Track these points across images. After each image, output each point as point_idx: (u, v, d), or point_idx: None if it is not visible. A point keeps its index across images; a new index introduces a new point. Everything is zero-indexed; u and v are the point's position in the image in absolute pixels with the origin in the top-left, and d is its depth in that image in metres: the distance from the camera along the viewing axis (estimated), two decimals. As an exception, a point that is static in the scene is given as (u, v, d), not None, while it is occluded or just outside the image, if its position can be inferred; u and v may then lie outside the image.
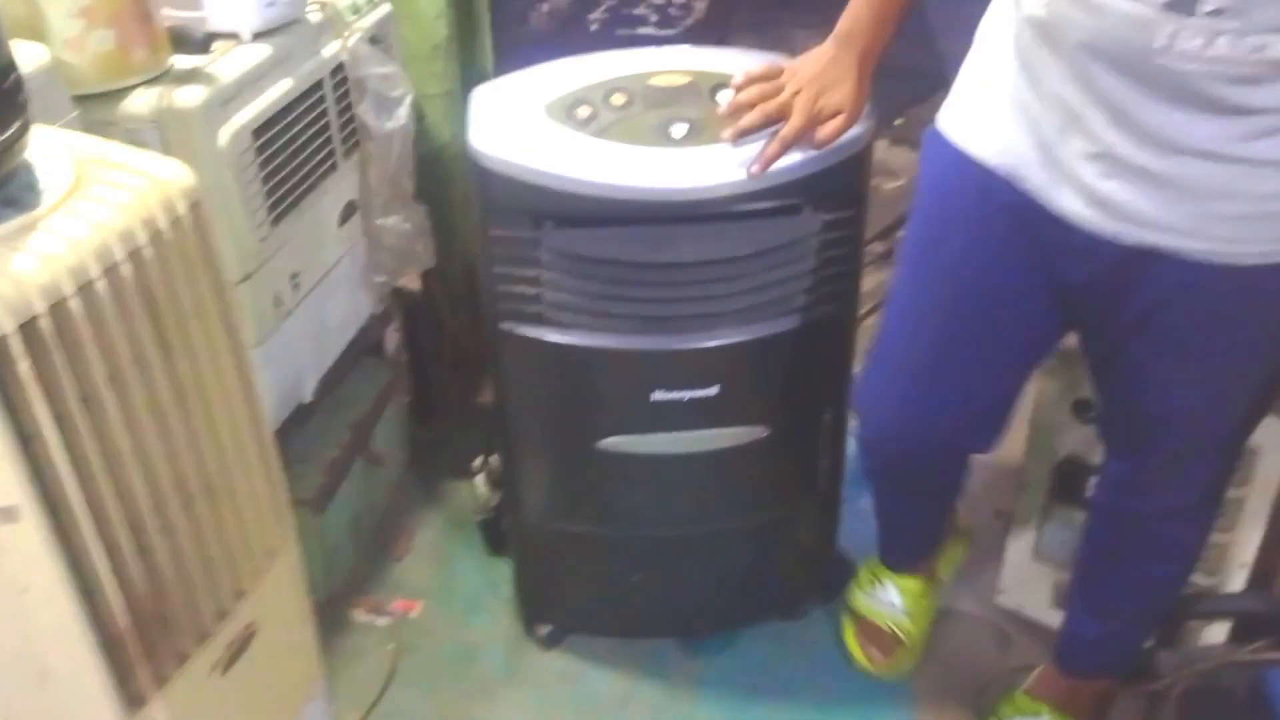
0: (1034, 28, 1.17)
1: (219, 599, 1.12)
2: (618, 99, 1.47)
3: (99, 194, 0.98)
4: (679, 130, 1.44)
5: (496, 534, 1.95)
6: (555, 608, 1.82)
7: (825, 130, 1.40)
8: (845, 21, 1.41)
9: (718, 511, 1.70)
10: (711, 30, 4.44)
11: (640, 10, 4.68)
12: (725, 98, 1.47)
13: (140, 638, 1.02)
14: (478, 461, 1.98)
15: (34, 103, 1.20)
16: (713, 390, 1.54)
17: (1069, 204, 1.20)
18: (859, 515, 1.83)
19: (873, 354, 1.52)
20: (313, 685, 1.33)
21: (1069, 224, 1.21)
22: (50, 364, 0.90)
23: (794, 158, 1.42)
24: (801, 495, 1.74)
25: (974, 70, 1.32)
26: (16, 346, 0.87)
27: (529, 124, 1.46)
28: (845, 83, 1.40)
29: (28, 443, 0.90)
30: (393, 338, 2.20)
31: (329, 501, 1.84)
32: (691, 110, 1.46)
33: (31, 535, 0.91)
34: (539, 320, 1.51)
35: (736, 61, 1.53)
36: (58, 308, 0.90)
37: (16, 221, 0.91)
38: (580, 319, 1.50)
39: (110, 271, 0.94)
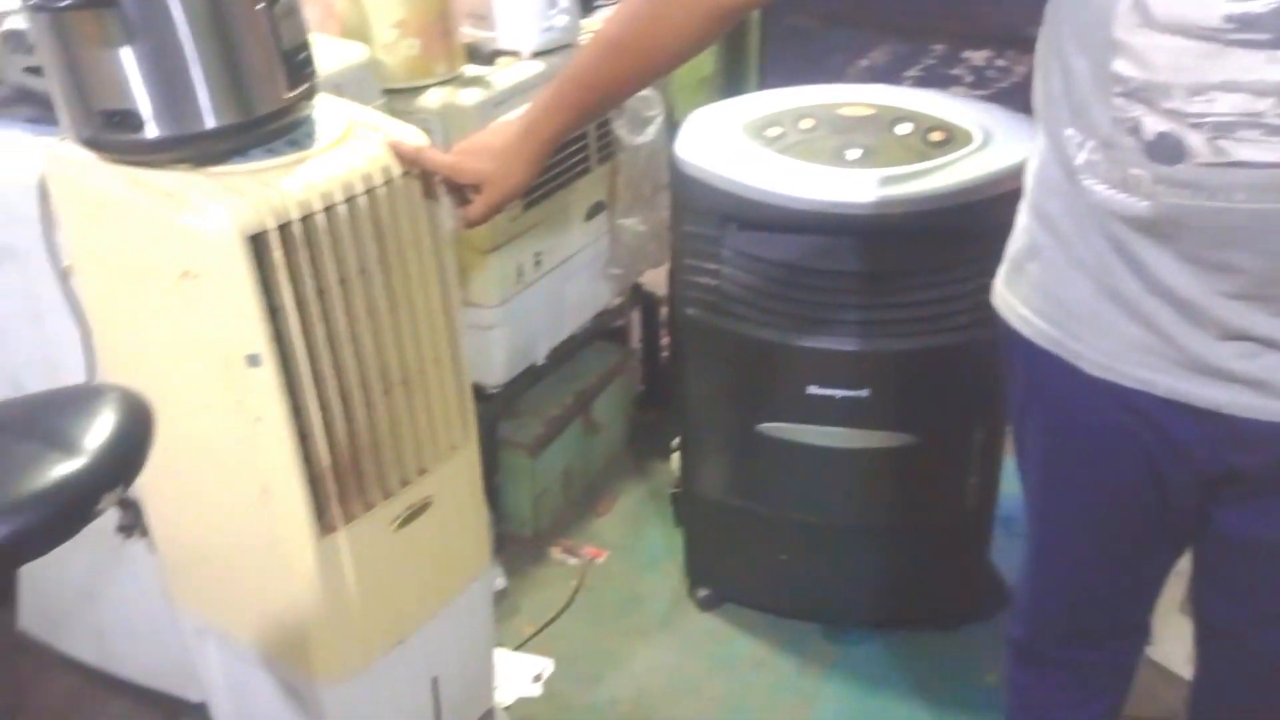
0: (1128, 223, 1.01)
1: (403, 469, 1.43)
2: (806, 123, 1.69)
3: (356, 146, 1.32)
4: (853, 154, 1.64)
5: (680, 508, 2.19)
6: (715, 574, 2.03)
7: (470, 210, 1.31)
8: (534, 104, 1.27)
9: (864, 509, 1.85)
10: (1027, 93, 4.48)
11: (957, 70, 4.79)
12: (903, 129, 1.65)
13: (336, 480, 1.35)
14: (676, 440, 2.23)
15: (351, 88, 1.60)
16: (863, 392, 1.71)
17: (1213, 395, 1.04)
18: (1016, 538, 1.90)
19: (1025, 558, 1.40)
20: (478, 568, 1.62)
21: (1218, 415, 1.05)
22: (296, 259, 1.24)
23: (955, 184, 1.57)
24: (949, 508, 1.84)
25: (1043, 257, 1.14)
26: (274, 240, 1.21)
27: (726, 139, 1.70)
28: (501, 157, 1.27)
29: (274, 313, 1.24)
30: (635, 330, 2.51)
31: (543, 450, 2.16)
32: (868, 138, 1.66)
33: (268, 379, 1.25)
34: (716, 309, 1.74)
35: (924, 100, 1.70)
36: (308, 219, 1.24)
37: (292, 155, 1.27)
38: (751, 311, 1.71)
39: (350, 200, 1.28)
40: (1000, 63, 4.76)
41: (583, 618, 2.03)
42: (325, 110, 1.37)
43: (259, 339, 1.23)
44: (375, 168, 1.31)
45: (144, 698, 1.78)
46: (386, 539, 1.44)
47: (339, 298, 1.30)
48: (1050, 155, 1.10)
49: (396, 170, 1.33)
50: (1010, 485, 1.86)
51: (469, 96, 1.82)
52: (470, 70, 1.88)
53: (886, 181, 1.59)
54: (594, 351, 2.34)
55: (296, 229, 1.23)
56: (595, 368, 2.33)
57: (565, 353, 2.20)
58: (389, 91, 1.77)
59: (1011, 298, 1.21)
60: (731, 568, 2.01)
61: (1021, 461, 1.31)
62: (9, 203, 1.34)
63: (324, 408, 1.31)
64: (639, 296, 2.42)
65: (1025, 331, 1.18)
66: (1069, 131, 1.04)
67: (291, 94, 1.26)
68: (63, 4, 1.08)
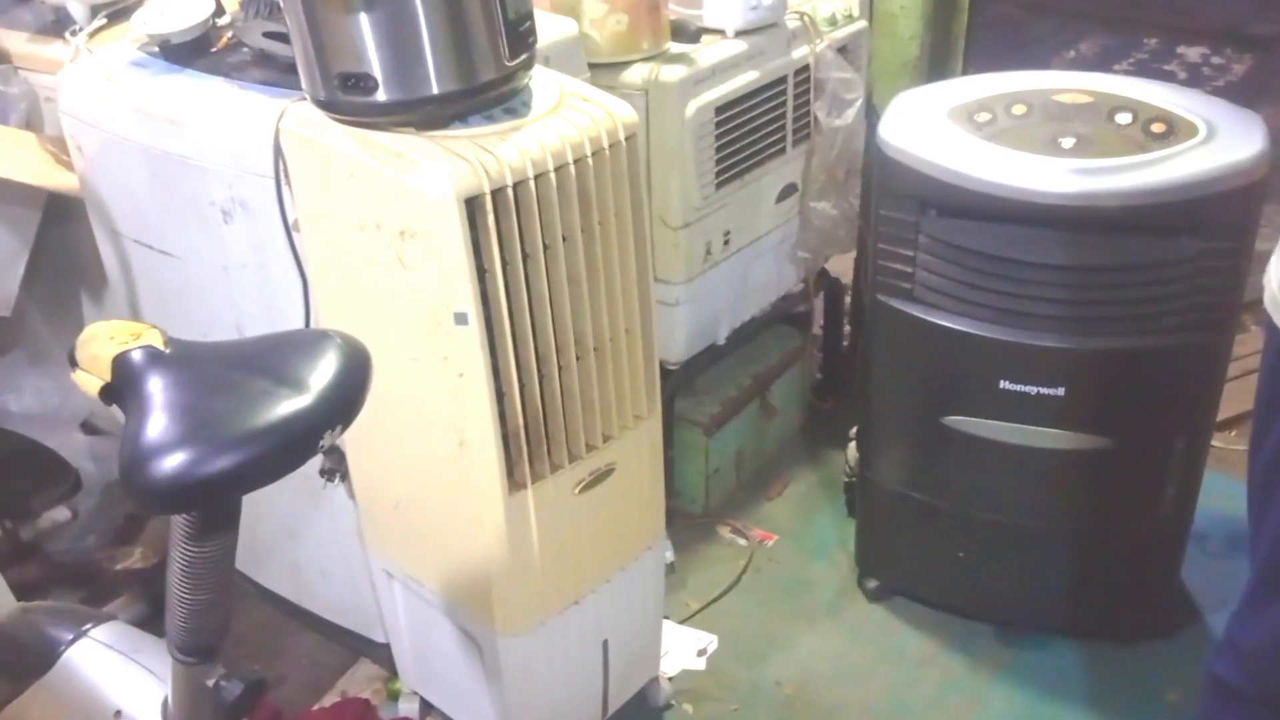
0: None
1: (590, 435, 1.47)
2: (1018, 109, 1.64)
3: (568, 116, 1.36)
4: (1068, 142, 1.58)
5: (855, 498, 2.16)
6: (886, 566, 2.01)
7: None
8: None
9: (1051, 511, 1.79)
10: (1244, 93, 4.22)
11: (1170, 66, 4.56)
12: (1123, 119, 1.58)
13: (527, 439, 1.39)
14: (854, 430, 2.21)
15: (559, 60, 1.65)
16: (1059, 391, 1.65)
17: None
18: (1208, 556, 1.81)
19: (1250, 590, 1.29)
20: (654, 536, 1.65)
21: None
22: (509, 223, 1.29)
23: (1177, 179, 1.50)
24: (1141, 517, 1.77)
25: None
26: (487, 204, 1.26)
27: (931, 123, 1.67)
28: None
29: (482, 274, 1.29)
30: (817, 317, 2.49)
31: (718, 430, 2.17)
32: (1085, 126, 1.59)
33: (473, 337, 1.30)
34: (909, 297, 1.71)
35: (1145, 90, 1.63)
36: (520, 185, 1.28)
37: (508, 124, 1.31)
38: (945, 301, 1.68)
39: (561, 169, 1.32)
40: (1217, 60, 4.52)
41: (749, 598, 2.04)
42: (539, 80, 1.41)
43: (468, 298, 1.29)
44: (585, 138, 1.34)
45: (332, 634, 1.88)
46: (570, 501, 1.48)
47: (543, 263, 1.34)
48: None
49: (605, 141, 1.36)
50: (1209, 499, 1.79)
51: (672, 73, 1.84)
52: (675, 47, 1.90)
53: (1102, 172, 1.53)
54: (774, 335, 2.34)
55: (509, 194, 1.27)
56: (774, 351, 2.33)
57: (746, 334, 2.21)
58: (595, 65, 1.80)
59: None
60: (904, 561, 1.98)
61: (1267, 480, 1.20)
62: (246, 158, 1.42)
63: (521, 368, 1.36)
64: (824, 283, 2.40)
65: None
66: None
67: (512, 63, 1.30)
68: (314, -29, 1.15)
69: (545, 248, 1.34)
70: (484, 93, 1.30)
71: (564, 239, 1.35)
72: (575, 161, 1.33)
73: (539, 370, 1.38)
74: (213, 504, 0.96)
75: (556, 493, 1.45)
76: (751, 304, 2.19)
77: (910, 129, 1.67)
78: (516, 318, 1.33)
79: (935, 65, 2.40)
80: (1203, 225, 1.54)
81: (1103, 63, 4.51)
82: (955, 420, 1.74)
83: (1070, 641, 1.90)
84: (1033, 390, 1.66)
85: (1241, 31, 4.47)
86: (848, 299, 2.51)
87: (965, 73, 2.43)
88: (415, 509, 1.53)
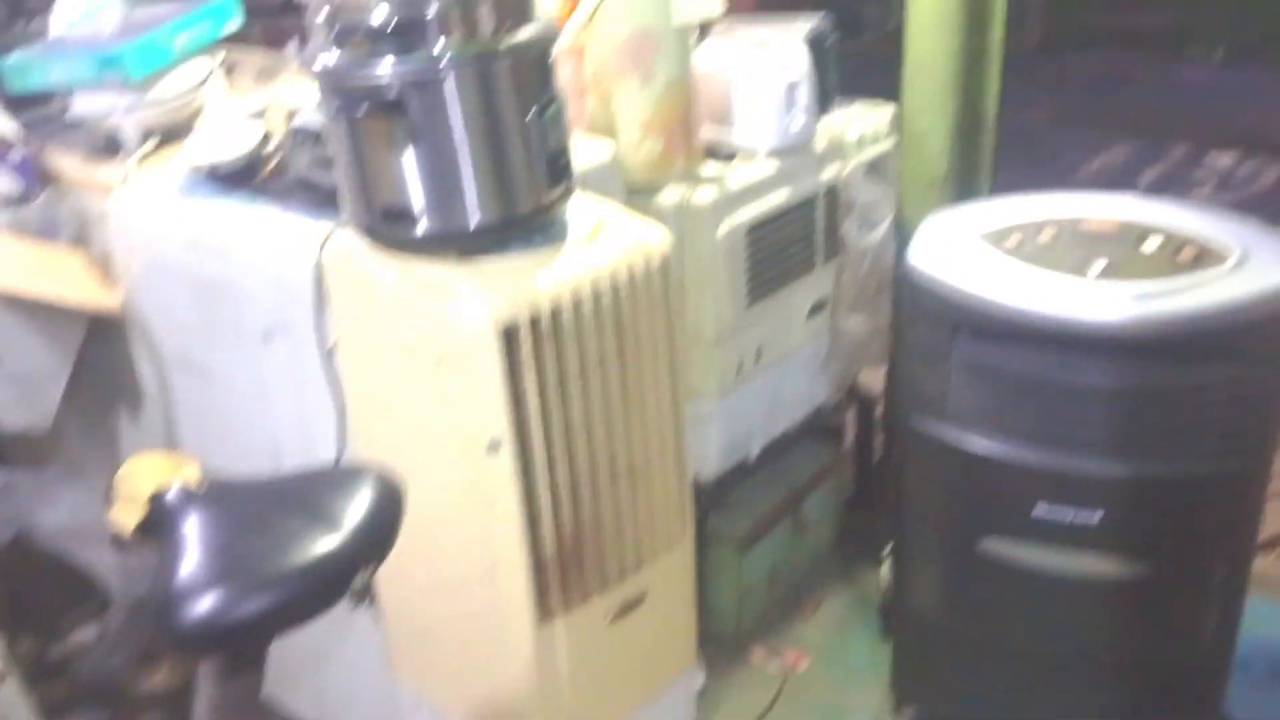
0: None
1: (623, 561, 1.46)
2: (1046, 234, 1.65)
3: (604, 243, 1.38)
4: (1096, 267, 1.58)
5: (890, 620, 2.12)
6: (924, 693, 1.96)
7: None
8: None
9: (1089, 640, 1.74)
10: (1276, 201, 4.23)
11: (1199, 173, 4.58)
12: (1152, 245, 1.59)
13: (559, 568, 1.38)
14: (887, 548, 2.18)
15: (595, 184, 1.67)
16: (1095, 515, 1.62)
17: None
18: (1253, 685, 1.76)
19: None
20: (685, 665, 1.63)
21: None
22: (542, 351, 1.30)
23: (1209, 305, 1.49)
24: (1182, 646, 1.72)
25: None
26: (525, 333, 1.27)
27: (961, 246, 1.68)
28: None
29: (517, 401, 1.30)
30: (849, 430, 2.48)
31: (751, 547, 2.15)
32: (1113, 252, 1.60)
33: (506, 465, 1.31)
34: (941, 418, 1.70)
35: (1174, 214, 1.64)
36: (556, 313, 1.30)
37: (546, 250, 1.34)
38: (978, 423, 1.66)
39: (596, 297, 1.33)
40: (1248, 166, 4.54)
41: (782, 724, 1.99)
42: (576, 206, 1.44)
43: (502, 425, 1.29)
44: (621, 265, 1.36)
45: (357, 757, 1.85)
46: (601, 630, 1.46)
47: (578, 388, 1.35)
48: None
49: (640, 269, 1.38)
50: (1251, 623, 1.74)
51: (704, 196, 1.86)
52: (708, 168, 1.93)
53: (1135, 297, 1.52)
54: (806, 449, 2.32)
55: (545, 323, 1.29)
56: (807, 466, 2.31)
57: (778, 449, 2.19)
58: (629, 188, 1.83)
59: None
60: (942, 687, 1.93)
61: None
62: (288, 282, 1.45)
63: (554, 494, 1.36)
64: (855, 396, 2.40)
65: None
66: None
67: (551, 194, 1.33)
68: (360, 113, 1.18)
69: (581, 372, 1.35)
70: (523, 222, 1.33)
71: (599, 363, 1.36)
72: (611, 289, 1.35)
73: (573, 496, 1.38)
74: (244, 646, 0.95)
75: (588, 622, 1.44)
76: (784, 418, 2.19)
77: (941, 253, 1.68)
78: (551, 443, 1.34)
79: (964, 180, 2.42)
80: (1237, 351, 1.53)
81: (1129, 171, 4.54)
82: (991, 544, 1.71)
83: (1117, 774, 1.83)
84: (1069, 515, 1.64)
85: (1271, 139, 4.50)
86: (879, 412, 2.50)
87: (993, 187, 2.45)
88: (444, 636, 1.51)
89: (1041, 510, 1.65)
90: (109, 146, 1.82)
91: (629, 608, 1.48)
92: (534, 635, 1.38)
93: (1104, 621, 1.72)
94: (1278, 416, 1.58)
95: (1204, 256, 1.58)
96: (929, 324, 1.68)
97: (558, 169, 1.34)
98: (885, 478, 2.44)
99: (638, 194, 1.85)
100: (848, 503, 2.49)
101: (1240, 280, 1.54)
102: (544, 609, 1.39)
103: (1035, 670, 1.79)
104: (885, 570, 2.17)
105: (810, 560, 2.35)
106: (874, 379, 2.44)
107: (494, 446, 1.31)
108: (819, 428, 2.34)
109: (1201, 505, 1.61)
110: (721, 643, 2.15)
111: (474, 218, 1.28)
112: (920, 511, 1.83)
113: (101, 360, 1.93)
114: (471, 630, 1.44)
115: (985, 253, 1.65)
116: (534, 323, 1.28)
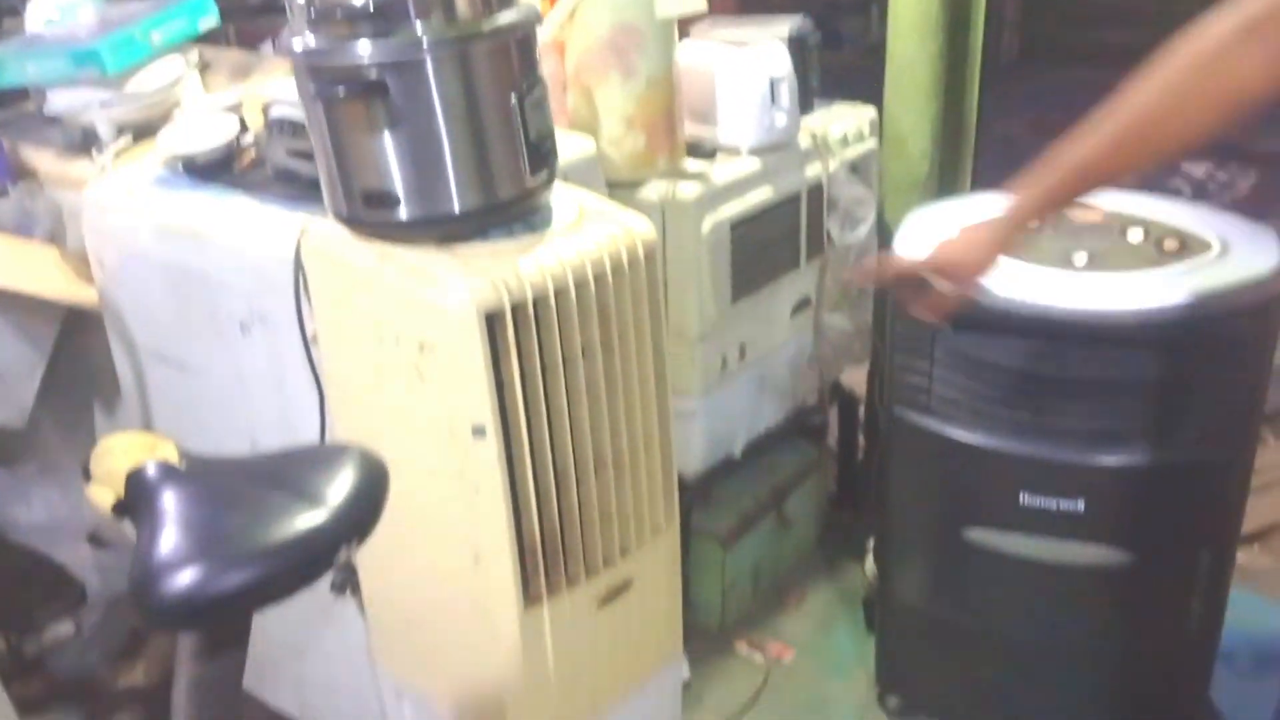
0: None
1: (607, 548, 1.44)
2: (1029, 225, 1.65)
3: (587, 231, 1.38)
4: (1080, 258, 1.59)
5: (874, 613, 2.12)
6: (908, 683, 1.95)
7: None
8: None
9: (1074, 628, 1.74)
10: (1249, 209, 4.27)
11: (1175, 182, 4.62)
12: (1135, 236, 1.60)
13: (544, 553, 1.37)
14: (870, 543, 2.18)
15: (577, 178, 1.67)
16: (1078, 504, 1.63)
17: None
18: (1237, 676, 1.76)
19: None
20: (670, 653, 1.62)
21: None
22: (527, 337, 1.29)
23: (1192, 295, 1.50)
24: (1167, 635, 1.72)
25: None
26: (507, 319, 1.27)
27: (942, 238, 1.68)
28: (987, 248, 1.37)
29: (500, 387, 1.29)
30: (832, 429, 2.48)
31: (736, 543, 2.14)
32: (1097, 243, 1.60)
33: (490, 450, 1.30)
34: (925, 409, 1.70)
35: (1157, 207, 1.65)
36: (540, 300, 1.29)
37: (529, 238, 1.33)
38: (962, 414, 1.67)
39: (580, 284, 1.33)
40: (1221, 176, 4.58)
41: (768, 717, 1.98)
42: (559, 196, 1.43)
43: (486, 411, 1.28)
44: (604, 253, 1.35)
45: (338, 754, 1.83)
46: (587, 616, 1.45)
47: (561, 376, 1.34)
48: None
49: (624, 257, 1.37)
50: (1235, 616, 1.74)
51: (688, 191, 1.86)
52: (691, 165, 1.93)
53: (1117, 287, 1.53)
54: (789, 447, 2.32)
55: (529, 309, 1.28)
56: (790, 464, 2.31)
57: (761, 447, 2.19)
58: (611, 184, 1.83)
59: None
60: (927, 677, 1.93)
61: None
62: (267, 272, 1.44)
63: (538, 482, 1.35)
64: (838, 394, 2.40)
65: None
66: None
67: (534, 181, 1.33)
68: (340, 95, 1.18)
69: (564, 362, 1.34)
70: (505, 209, 1.32)
71: (583, 353, 1.35)
72: (594, 277, 1.34)
73: (557, 484, 1.37)
74: (224, 621, 0.94)
75: (573, 608, 1.43)
76: (767, 416, 2.18)
77: (921, 244, 1.68)
78: (535, 431, 1.33)
79: (945, 181, 2.43)
80: (1219, 340, 1.53)
81: (1104, 182, 4.57)
82: (976, 534, 1.71)
83: (1102, 764, 1.84)
84: (1053, 504, 1.64)
85: (1246, 148, 4.55)
86: (861, 411, 2.50)
87: (974, 188, 2.46)
88: (428, 624, 1.50)
89: (1026, 500, 1.65)
90: (85, 141, 1.81)
91: (615, 594, 1.47)
92: (520, 620, 1.37)
93: (1089, 611, 1.73)
94: (1261, 407, 1.58)
95: (1187, 247, 1.59)
96: (913, 316, 1.68)
97: (541, 155, 1.34)
98: (868, 475, 2.44)
99: (620, 189, 1.85)
100: (831, 500, 2.49)
101: (1225, 270, 1.55)
102: (529, 594, 1.38)
103: (1020, 660, 1.79)
104: (869, 564, 2.17)
105: (794, 556, 2.35)
106: (856, 378, 2.44)
107: (477, 433, 1.30)
108: (802, 426, 2.34)
109: (1185, 494, 1.62)
110: (706, 637, 2.14)
111: (456, 203, 1.27)
112: (905, 502, 1.83)
113: (77, 355, 1.91)
114: (456, 617, 1.43)
115: (967, 243, 1.66)
116: (517, 308, 1.27)
